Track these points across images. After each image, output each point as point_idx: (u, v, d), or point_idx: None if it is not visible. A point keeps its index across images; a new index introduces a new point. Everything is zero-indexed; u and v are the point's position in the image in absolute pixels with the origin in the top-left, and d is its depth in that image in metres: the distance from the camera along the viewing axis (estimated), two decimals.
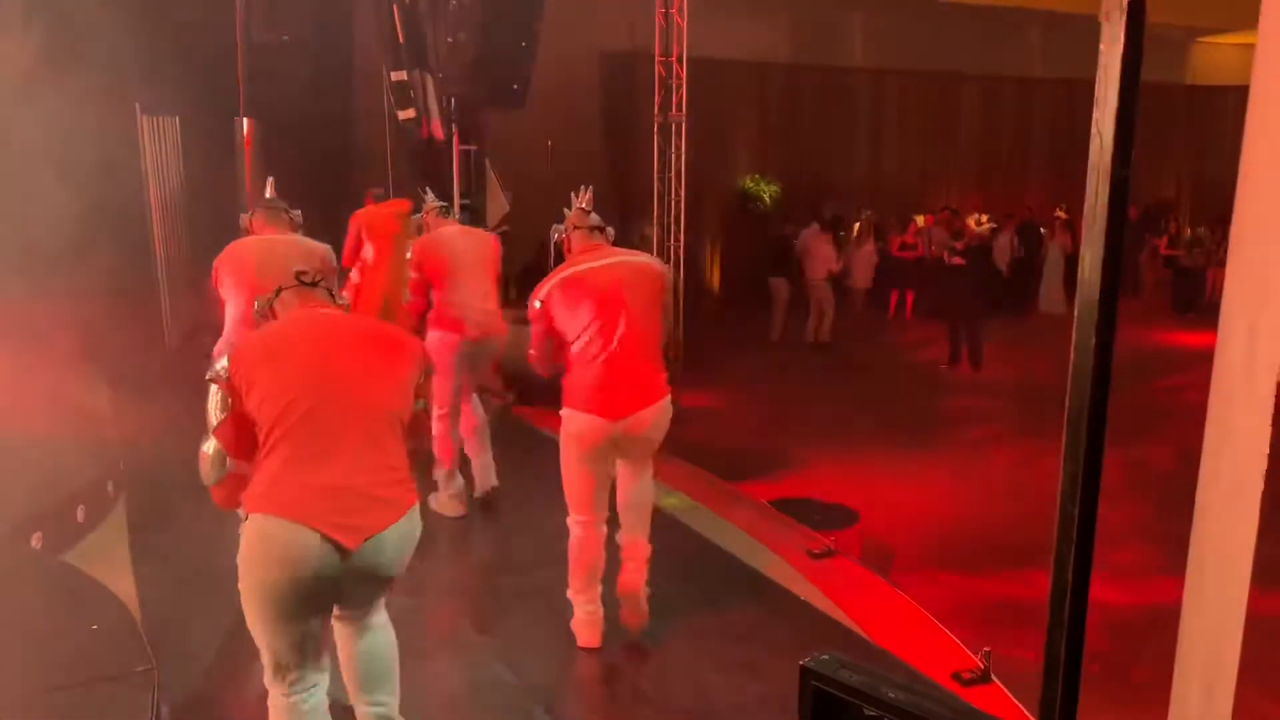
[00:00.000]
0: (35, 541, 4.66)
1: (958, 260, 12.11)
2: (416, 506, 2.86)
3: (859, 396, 10.26)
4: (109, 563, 4.64)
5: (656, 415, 3.91)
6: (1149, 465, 7.62)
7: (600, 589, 4.03)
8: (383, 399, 2.82)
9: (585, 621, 4.00)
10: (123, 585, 4.32)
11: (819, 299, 13.06)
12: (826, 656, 1.90)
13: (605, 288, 3.80)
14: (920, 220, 15.50)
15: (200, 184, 9.04)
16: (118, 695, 3.21)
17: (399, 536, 2.78)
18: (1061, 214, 15.87)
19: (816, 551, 5.03)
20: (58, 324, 7.58)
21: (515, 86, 8.95)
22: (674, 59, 10.47)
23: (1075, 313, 1.39)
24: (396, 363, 2.91)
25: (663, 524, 4.32)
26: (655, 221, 11.28)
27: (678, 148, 10.81)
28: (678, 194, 10.79)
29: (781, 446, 8.51)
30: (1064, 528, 1.32)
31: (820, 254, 13.02)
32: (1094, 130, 1.28)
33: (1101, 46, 1.24)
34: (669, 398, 3.97)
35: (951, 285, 12.07)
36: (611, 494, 3.99)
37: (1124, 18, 1.33)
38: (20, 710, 3.09)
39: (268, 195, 5.15)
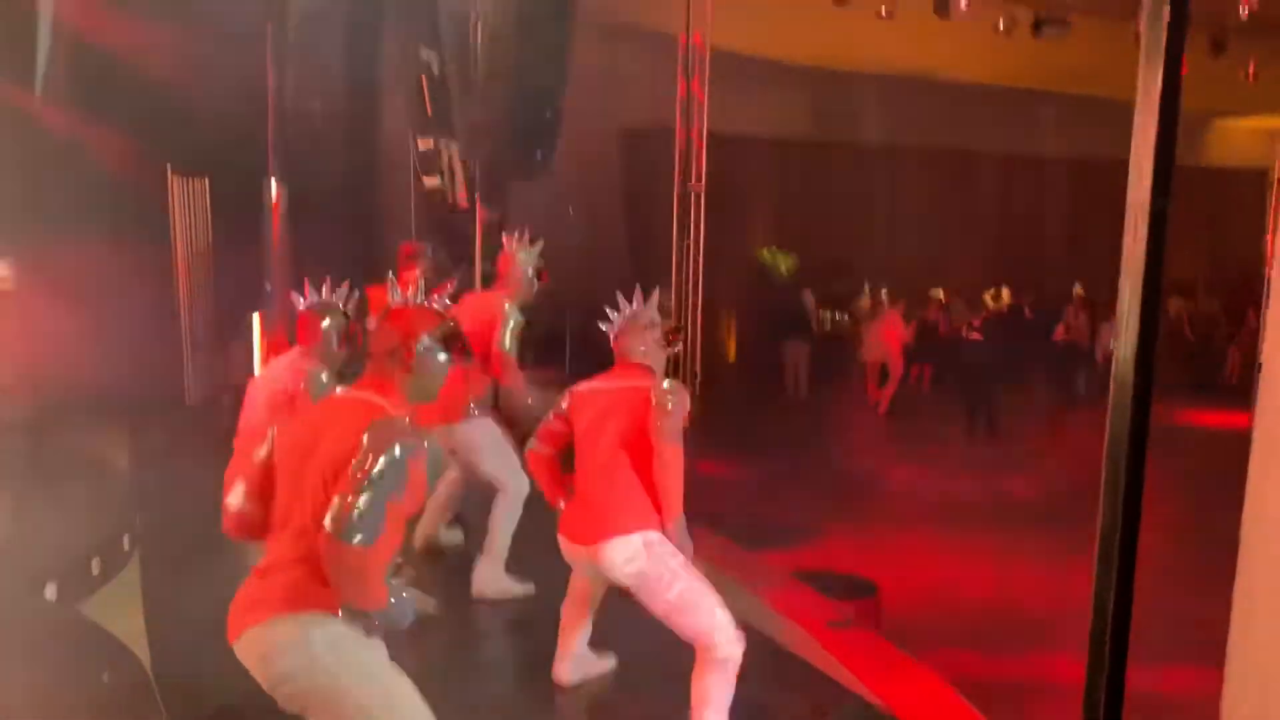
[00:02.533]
0: (50, 593, 4.65)
1: (976, 335, 12.14)
2: (289, 620, 2.48)
3: (875, 468, 10.21)
4: (122, 616, 4.61)
5: (614, 554, 3.57)
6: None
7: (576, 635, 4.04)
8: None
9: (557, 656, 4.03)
10: (135, 639, 4.30)
11: (892, 369, 13.01)
12: (852, 710, 1.89)
13: (591, 414, 3.76)
14: (941, 294, 15.52)
15: (227, 244, 9.18)
16: None
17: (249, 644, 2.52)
18: (1079, 291, 15.90)
19: (836, 621, 4.97)
20: (79, 380, 7.68)
21: (539, 156, 9.11)
22: (694, 132, 10.62)
23: (1114, 367, 1.36)
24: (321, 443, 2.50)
25: None
26: (674, 289, 11.35)
27: (696, 218, 10.91)
28: (696, 262, 10.87)
29: (797, 516, 8.45)
30: (1099, 611, 1.26)
31: (893, 327, 13.04)
32: (1131, 162, 1.28)
33: (1141, 61, 1.24)
34: (631, 539, 3.56)
35: (970, 360, 12.08)
36: None
37: (1164, 26, 1.31)
38: None
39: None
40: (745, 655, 4.43)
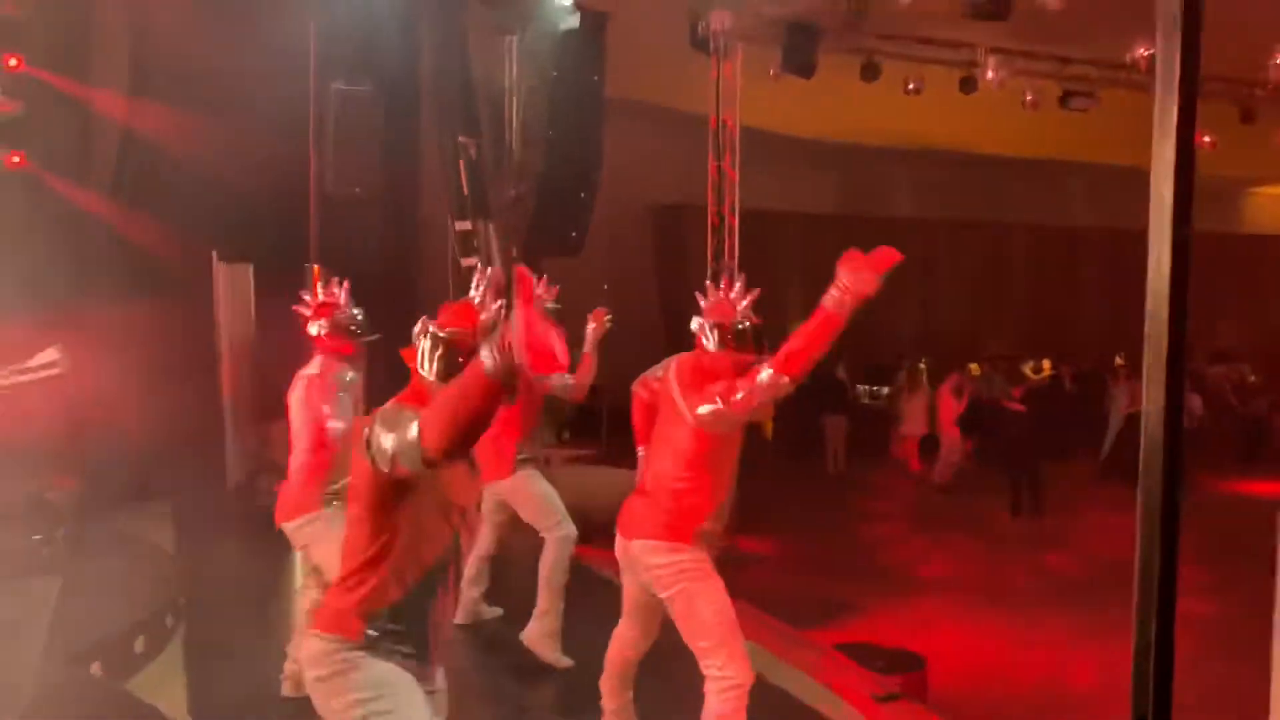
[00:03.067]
0: (95, 670, 4.67)
1: (1017, 407, 12.03)
2: (314, 637, 2.57)
3: (919, 544, 10.07)
4: (166, 694, 4.63)
5: (640, 553, 3.66)
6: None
7: (621, 689, 4.02)
8: None
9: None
10: (179, 716, 4.31)
11: (950, 444, 12.94)
12: None
13: (661, 400, 3.81)
14: (975, 368, 15.45)
15: (269, 328, 9.35)
16: None
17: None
18: (1120, 361, 15.76)
19: (882, 695, 4.88)
20: (123, 461, 7.80)
21: (574, 235, 9.27)
22: (726, 209, 10.77)
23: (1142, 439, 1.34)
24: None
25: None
26: None
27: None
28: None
29: (840, 593, 8.33)
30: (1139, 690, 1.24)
31: (949, 403, 13.00)
32: (1152, 189, 1.29)
33: (1155, 132, 1.27)
34: (650, 542, 3.62)
35: (1011, 432, 11.94)
36: None
37: (1179, 35, 1.32)
38: None
39: None
40: None
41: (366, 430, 2.40)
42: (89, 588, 5.63)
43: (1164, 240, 1.28)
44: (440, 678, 2.70)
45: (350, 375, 4.54)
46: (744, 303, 3.71)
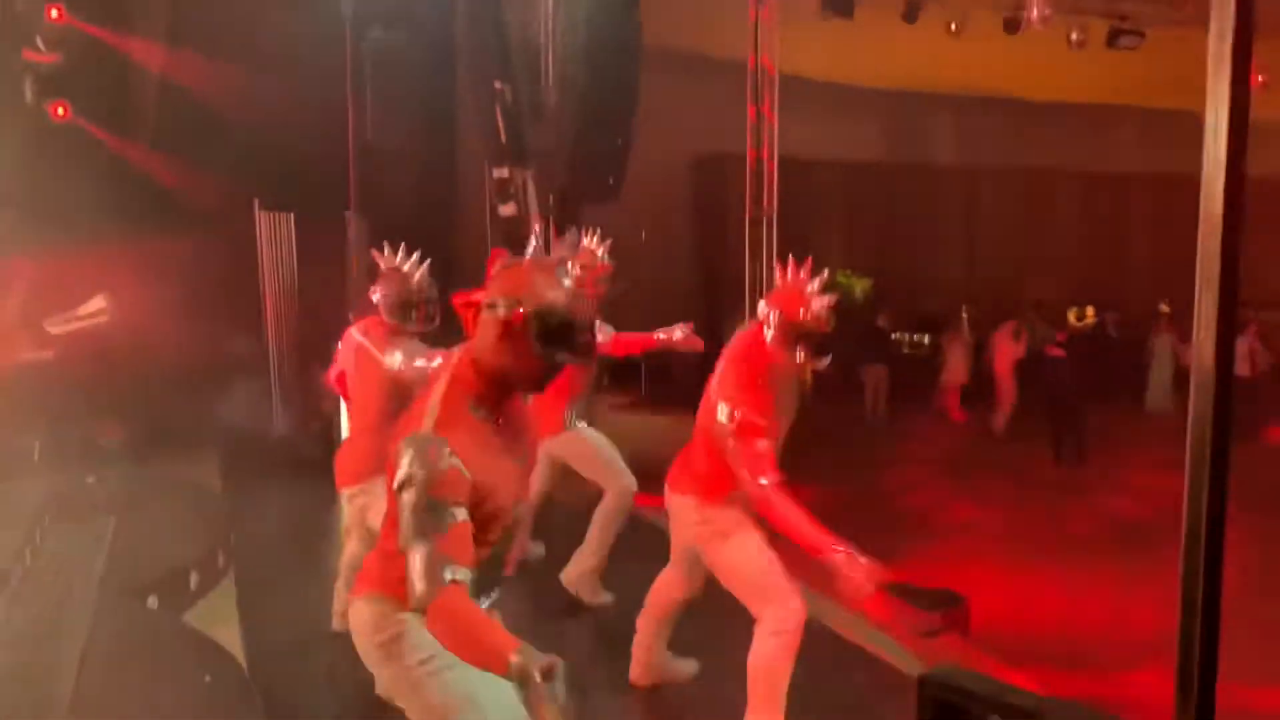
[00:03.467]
0: (153, 604, 4.80)
1: (1058, 352, 11.89)
2: (371, 600, 2.43)
3: (960, 490, 10.02)
4: (220, 627, 4.74)
5: (679, 507, 3.70)
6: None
7: (657, 631, 4.07)
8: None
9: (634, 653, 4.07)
10: (232, 648, 4.42)
11: (1006, 391, 12.84)
12: (945, 667, 1.87)
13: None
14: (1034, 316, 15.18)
15: (311, 275, 9.45)
16: None
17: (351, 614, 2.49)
18: (1165, 308, 15.50)
19: (925, 630, 4.90)
20: (170, 408, 7.94)
21: (611, 181, 9.23)
22: (764, 154, 10.68)
23: (1192, 377, 1.29)
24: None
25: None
26: (747, 313, 11.33)
27: (768, 241, 10.92)
28: (769, 286, 10.83)
29: (880, 538, 8.31)
30: (1186, 631, 1.21)
31: (1006, 349, 12.85)
32: (1204, 174, 1.22)
33: (1209, 72, 1.21)
34: (688, 499, 3.64)
35: (1054, 378, 11.82)
36: None
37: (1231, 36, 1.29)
38: None
39: None
40: (835, 658, 4.41)
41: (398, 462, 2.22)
42: (141, 527, 5.77)
43: (1217, 182, 1.24)
44: None
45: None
46: (816, 303, 3.60)
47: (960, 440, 12.63)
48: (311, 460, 8.32)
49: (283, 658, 4.40)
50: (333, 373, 4.68)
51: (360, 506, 4.28)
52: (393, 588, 2.35)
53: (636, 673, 4.15)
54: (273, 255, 9.26)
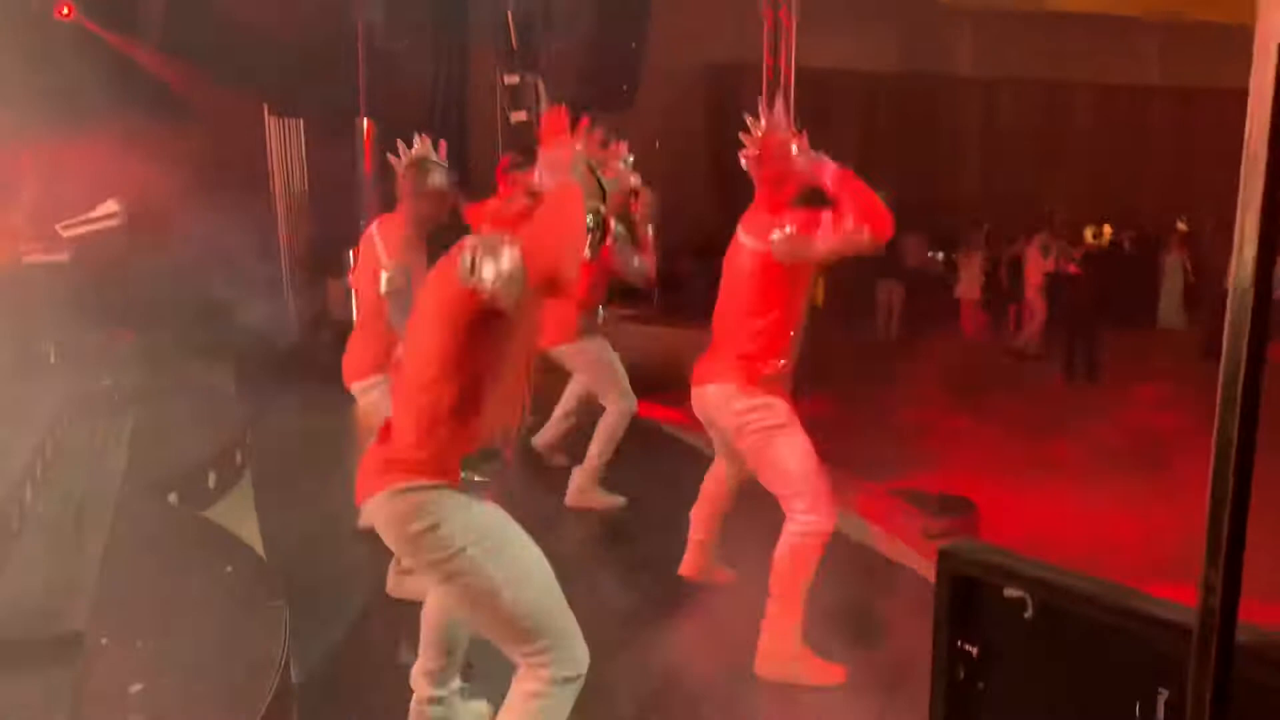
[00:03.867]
0: (172, 500, 4.86)
1: (1074, 269, 11.82)
2: (405, 491, 2.39)
3: (971, 406, 10.02)
4: (239, 525, 4.81)
5: (713, 398, 3.66)
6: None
7: (700, 527, 4.15)
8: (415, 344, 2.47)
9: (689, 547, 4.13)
10: (252, 543, 4.49)
11: (1036, 306, 12.73)
12: (964, 542, 1.88)
13: (728, 254, 3.77)
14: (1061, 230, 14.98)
15: (323, 182, 9.38)
16: (253, 627, 3.32)
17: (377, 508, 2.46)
18: (1182, 226, 15.33)
19: (935, 533, 4.95)
20: (191, 314, 7.96)
21: (624, 88, 9.10)
22: (782, 62, 10.46)
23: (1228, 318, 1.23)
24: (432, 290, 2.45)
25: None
26: None
27: None
28: None
29: (890, 452, 8.35)
30: (1212, 548, 1.17)
31: (1037, 263, 12.71)
32: (1251, 87, 1.14)
33: None
34: (726, 386, 3.59)
35: (1068, 296, 11.76)
36: None
37: None
38: (165, 635, 3.23)
39: None
40: (849, 562, 4.44)
41: (464, 256, 2.30)
42: (158, 428, 5.81)
43: (1265, 97, 1.18)
44: None
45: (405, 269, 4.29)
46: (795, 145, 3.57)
47: (973, 356, 12.61)
48: (325, 370, 8.38)
49: (301, 554, 4.47)
50: (353, 272, 4.67)
51: (372, 401, 4.30)
52: (438, 470, 2.38)
53: (687, 565, 4.21)
54: (283, 161, 9.19)
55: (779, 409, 3.56)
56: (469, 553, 2.36)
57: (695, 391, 3.75)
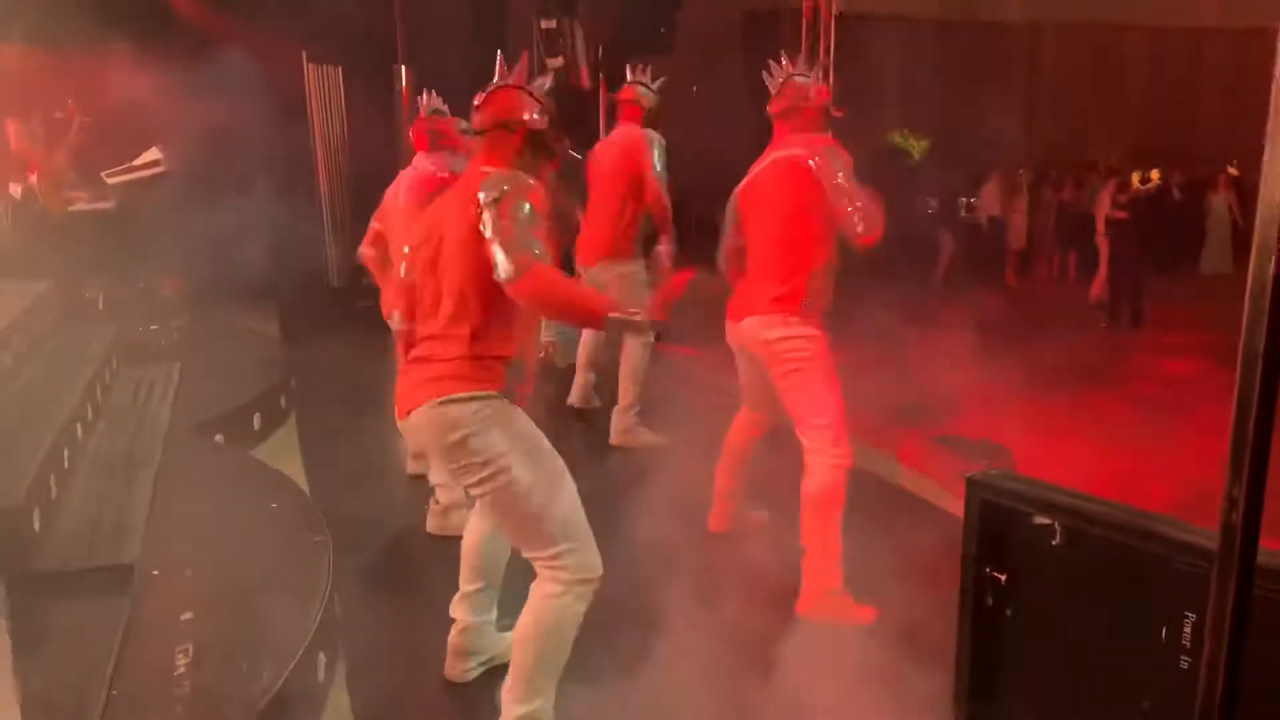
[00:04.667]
0: (218, 440, 4.97)
1: (1121, 214, 11.60)
2: (451, 401, 2.54)
3: (1015, 353, 9.91)
4: (283, 465, 4.90)
5: (752, 330, 3.66)
6: None
7: (735, 475, 4.16)
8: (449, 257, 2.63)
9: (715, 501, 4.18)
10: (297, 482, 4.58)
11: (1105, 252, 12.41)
12: (994, 471, 1.89)
13: (749, 188, 3.77)
14: (1155, 175, 14.54)
15: (361, 129, 9.40)
16: (298, 560, 3.41)
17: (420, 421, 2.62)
18: (1233, 170, 14.98)
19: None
20: (234, 260, 8.04)
21: (662, 30, 9.00)
22: (822, 5, 10.29)
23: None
24: (464, 205, 2.59)
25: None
26: None
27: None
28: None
29: (929, 398, 8.31)
30: (1236, 462, 1.16)
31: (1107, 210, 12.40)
32: None
33: None
34: (769, 318, 3.59)
35: (1115, 242, 11.56)
36: None
37: None
38: (214, 567, 3.33)
39: None
40: (885, 505, 4.46)
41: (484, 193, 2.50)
42: (205, 372, 5.93)
43: None
44: None
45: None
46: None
47: (1021, 306, 12.42)
48: (367, 316, 8.46)
49: (344, 493, 4.56)
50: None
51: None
52: (483, 378, 2.55)
53: (716, 520, 4.23)
54: (322, 108, 9.21)
55: (816, 340, 3.57)
56: (505, 458, 2.52)
57: (731, 326, 3.77)
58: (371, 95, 9.27)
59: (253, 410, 5.43)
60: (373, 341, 7.82)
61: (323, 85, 9.18)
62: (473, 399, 2.53)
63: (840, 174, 3.46)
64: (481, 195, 2.50)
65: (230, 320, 7.82)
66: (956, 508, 4.53)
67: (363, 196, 9.29)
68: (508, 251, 2.42)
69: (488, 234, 2.46)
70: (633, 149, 5.15)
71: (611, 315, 2.48)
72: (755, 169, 3.78)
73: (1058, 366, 9.26)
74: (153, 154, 7.20)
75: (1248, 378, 1.05)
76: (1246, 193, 14.25)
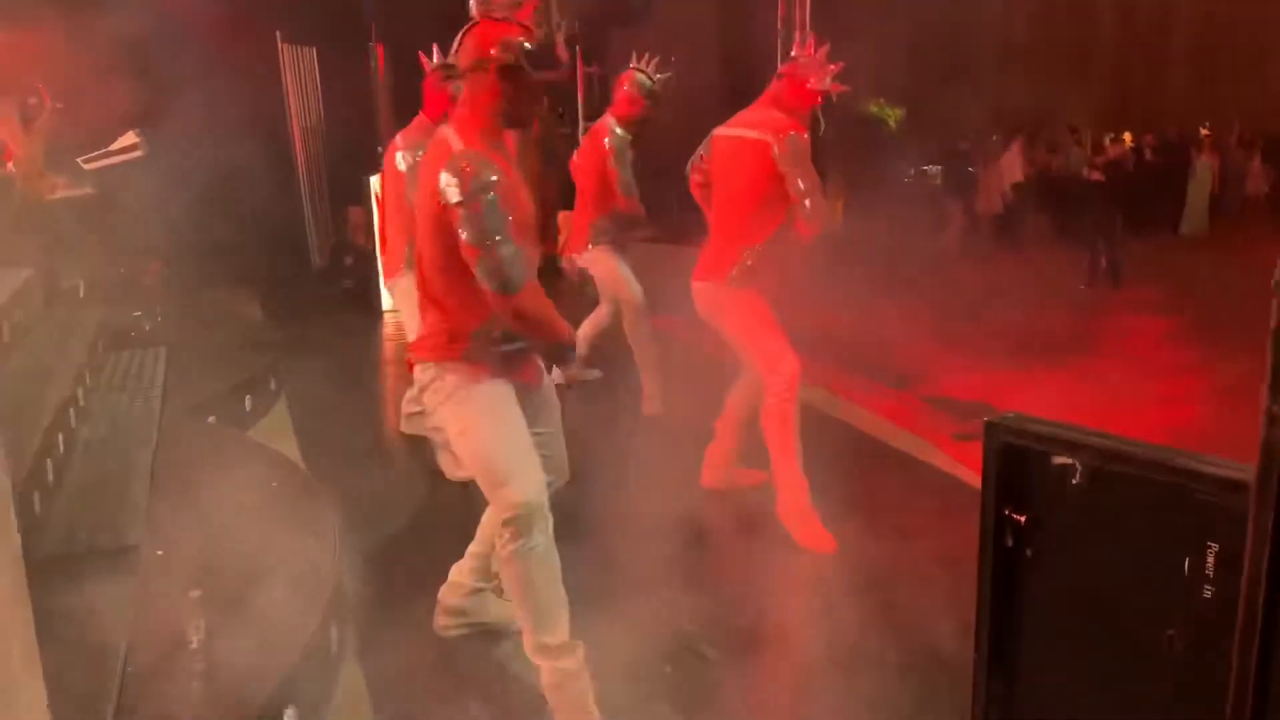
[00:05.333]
0: (211, 421, 4.95)
1: (1096, 176, 11.68)
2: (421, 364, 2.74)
3: (994, 316, 9.97)
4: (279, 446, 4.88)
5: (703, 294, 4.00)
6: None
7: (734, 436, 4.29)
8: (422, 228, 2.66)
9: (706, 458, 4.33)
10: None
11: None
12: (1011, 414, 1.91)
13: (718, 152, 4.03)
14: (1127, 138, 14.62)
15: (338, 110, 9.32)
16: (303, 536, 3.41)
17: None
18: (1206, 131, 15.09)
19: (962, 434, 5.01)
20: (214, 244, 7.97)
21: (637, 1, 8.95)
22: None
23: None
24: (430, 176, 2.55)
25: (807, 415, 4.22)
26: None
27: None
28: None
29: (908, 363, 8.36)
30: (1275, 379, 1.16)
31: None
32: None
33: None
34: (719, 283, 3.92)
35: (1091, 203, 11.64)
36: None
37: None
38: (219, 546, 3.32)
39: None
40: (876, 465, 4.54)
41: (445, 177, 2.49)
42: (193, 356, 5.87)
43: None
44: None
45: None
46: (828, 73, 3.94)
47: (991, 271, 12.47)
48: (349, 296, 8.43)
49: (341, 470, 4.55)
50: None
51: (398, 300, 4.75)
52: (429, 350, 2.69)
53: (708, 475, 4.33)
54: (298, 89, 9.11)
55: (739, 281, 3.89)
56: (446, 407, 2.69)
57: (693, 287, 4.05)
58: (347, 75, 9.18)
59: (244, 392, 5.41)
60: (356, 320, 7.83)
61: (298, 65, 9.08)
62: (433, 364, 2.70)
63: (798, 165, 3.72)
64: (444, 190, 2.45)
65: (213, 304, 7.76)
66: (946, 463, 4.67)
67: (340, 177, 9.24)
68: (502, 266, 2.46)
69: (464, 236, 2.47)
70: (600, 155, 5.27)
71: (566, 344, 2.73)
72: (732, 126, 3.98)
73: (1036, 326, 9.33)
74: (130, 138, 7.11)
75: None
76: (1223, 157, 14.38)
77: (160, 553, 3.28)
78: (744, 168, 3.84)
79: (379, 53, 9.12)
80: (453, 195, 2.43)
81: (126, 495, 3.62)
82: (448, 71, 4.43)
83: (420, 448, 4.72)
